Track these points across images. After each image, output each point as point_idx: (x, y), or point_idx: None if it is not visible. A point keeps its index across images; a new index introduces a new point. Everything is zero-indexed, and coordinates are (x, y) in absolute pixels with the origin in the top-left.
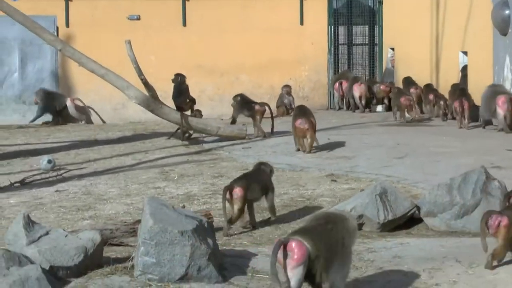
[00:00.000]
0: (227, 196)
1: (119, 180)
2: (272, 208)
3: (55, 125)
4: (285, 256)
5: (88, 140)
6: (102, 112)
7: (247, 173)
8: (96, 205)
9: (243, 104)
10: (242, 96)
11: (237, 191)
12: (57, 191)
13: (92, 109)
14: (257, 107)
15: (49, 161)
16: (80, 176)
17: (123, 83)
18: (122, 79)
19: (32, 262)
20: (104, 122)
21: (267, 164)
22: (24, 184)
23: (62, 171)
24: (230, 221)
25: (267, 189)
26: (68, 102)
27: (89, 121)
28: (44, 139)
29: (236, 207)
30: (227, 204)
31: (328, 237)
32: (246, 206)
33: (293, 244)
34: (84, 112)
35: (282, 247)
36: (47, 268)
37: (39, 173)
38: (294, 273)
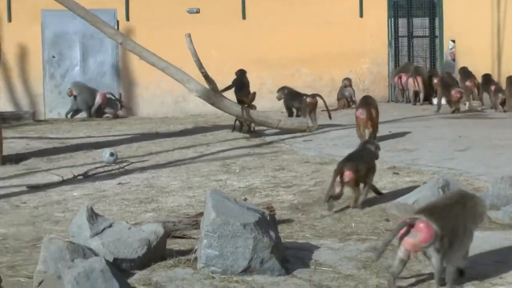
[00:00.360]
0: (337, 178)
1: (181, 172)
2: (371, 187)
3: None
4: (411, 236)
5: (149, 133)
6: (162, 105)
7: (353, 153)
8: (158, 197)
9: (292, 96)
10: (288, 88)
11: (348, 174)
12: (119, 183)
13: (120, 102)
14: (308, 99)
15: (112, 154)
16: (142, 169)
17: (184, 76)
18: (182, 72)
19: (96, 254)
20: (122, 106)
21: (372, 142)
22: (87, 177)
23: (124, 164)
24: (334, 198)
25: (369, 169)
26: (97, 98)
27: (115, 115)
28: (106, 132)
29: (350, 189)
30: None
31: (455, 218)
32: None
33: (420, 225)
34: (113, 107)
35: (407, 227)
36: (111, 260)
37: (101, 166)
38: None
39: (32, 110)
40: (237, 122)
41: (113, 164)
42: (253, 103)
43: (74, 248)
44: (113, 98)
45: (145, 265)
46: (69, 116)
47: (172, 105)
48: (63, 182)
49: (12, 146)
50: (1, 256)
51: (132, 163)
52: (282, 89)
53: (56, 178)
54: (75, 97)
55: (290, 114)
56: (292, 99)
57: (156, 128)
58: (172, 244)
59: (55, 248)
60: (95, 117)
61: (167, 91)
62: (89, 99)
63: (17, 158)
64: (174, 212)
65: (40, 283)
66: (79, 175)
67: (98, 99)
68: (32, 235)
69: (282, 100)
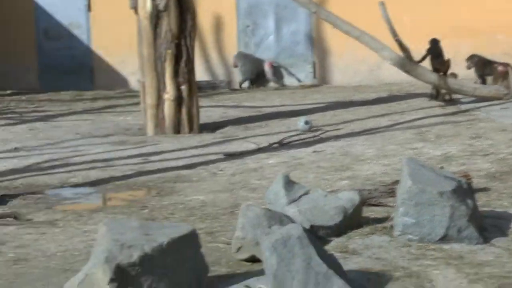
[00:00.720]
0: None
1: (375, 140)
2: None
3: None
4: None
5: (343, 101)
6: (356, 74)
7: None
8: (353, 165)
9: (482, 64)
10: (478, 56)
11: None
12: (314, 151)
13: (288, 70)
14: (500, 68)
15: (306, 122)
16: (337, 137)
17: (378, 44)
18: (377, 41)
19: (293, 221)
20: (299, 81)
21: None
22: (282, 145)
23: (319, 132)
24: None
25: None
26: (266, 67)
27: (282, 84)
28: (300, 100)
29: None
30: None
31: None
32: None
33: None
34: (280, 76)
35: None
36: (308, 227)
37: (296, 134)
38: None
39: (227, 79)
40: (433, 90)
41: (308, 132)
42: (450, 71)
43: (271, 215)
44: (279, 67)
45: (341, 232)
46: (244, 86)
47: (366, 73)
48: (259, 150)
49: (208, 114)
50: (200, 223)
51: (327, 131)
52: (472, 58)
53: (252, 146)
54: (239, 67)
55: (483, 82)
56: (483, 67)
57: (350, 96)
58: (368, 212)
59: (253, 215)
60: (261, 86)
61: (361, 59)
62: (253, 69)
63: (213, 127)
64: (369, 180)
65: (238, 249)
66: (274, 143)
67: (266, 68)
68: (230, 202)
69: (473, 69)
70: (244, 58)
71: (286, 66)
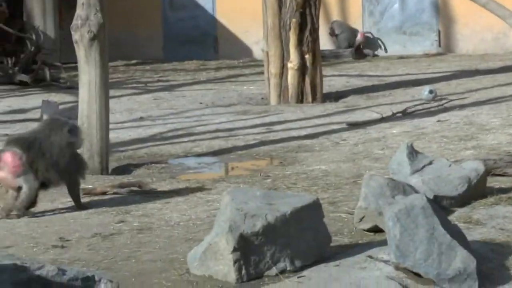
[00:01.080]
0: None
1: (501, 110)
2: None
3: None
4: None
5: (469, 70)
6: (482, 42)
7: None
8: (478, 135)
9: None
10: None
11: None
12: (438, 121)
13: (381, 40)
14: None
15: (431, 91)
16: (462, 106)
17: (505, 12)
18: (504, 8)
19: (416, 191)
20: (386, 51)
21: None
22: (406, 114)
23: (443, 101)
24: None
25: None
26: (358, 36)
27: (371, 55)
28: (424, 69)
29: None
30: None
31: None
32: None
33: None
34: (371, 47)
35: None
36: (431, 197)
37: (420, 103)
38: None
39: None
40: None
41: (432, 102)
42: None
43: (395, 184)
44: (373, 38)
45: (465, 202)
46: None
47: (492, 41)
48: (382, 120)
49: (332, 84)
50: (323, 192)
51: (451, 100)
52: None
53: (375, 116)
54: (336, 36)
55: None
56: None
57: (475, 65)
58: (493, 182)
59: (376, 185)
60: (355, 57)
61: (487, 27)
62: (350, 38)
63: (336, 96)
64: (494, 149)
65: (361, 219)
66: (398, 112)
67: (358, 38)
68: (352, 171)
69: None
70: (342, 27)
71: (376, 37)
